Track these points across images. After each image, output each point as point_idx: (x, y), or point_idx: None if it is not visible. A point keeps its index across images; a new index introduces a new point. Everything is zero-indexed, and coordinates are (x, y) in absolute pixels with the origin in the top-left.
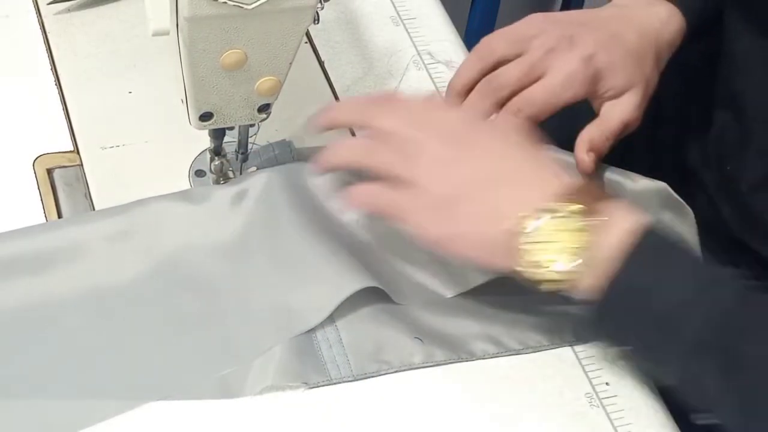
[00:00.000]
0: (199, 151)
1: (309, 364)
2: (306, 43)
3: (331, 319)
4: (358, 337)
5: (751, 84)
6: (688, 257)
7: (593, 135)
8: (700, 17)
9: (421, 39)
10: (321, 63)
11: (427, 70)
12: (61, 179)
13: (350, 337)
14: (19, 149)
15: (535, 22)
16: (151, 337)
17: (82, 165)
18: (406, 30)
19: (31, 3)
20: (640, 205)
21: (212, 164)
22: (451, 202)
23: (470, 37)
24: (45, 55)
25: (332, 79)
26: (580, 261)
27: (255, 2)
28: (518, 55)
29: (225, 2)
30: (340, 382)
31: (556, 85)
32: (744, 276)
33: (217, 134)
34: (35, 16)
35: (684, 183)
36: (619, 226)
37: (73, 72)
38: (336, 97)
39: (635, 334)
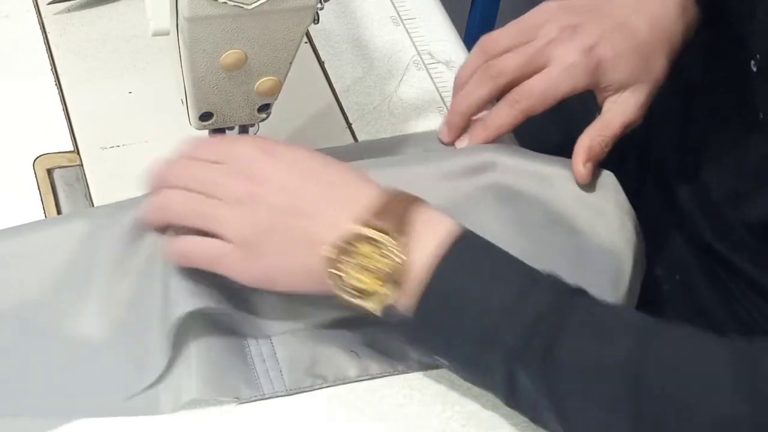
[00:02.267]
0: None
1: (241, 378)
2: (306, 43)
3: (267, 333)
4: (292, 352)
5: (725, 103)
6: (502, 262)
7: (592, 143)
8: (713, 8)
9: (421, 39)
10: (321, 63)
11: (427, 70)
12: (61, 179)
13: (285, 351)
14: (19, 149)
15: (544, 10)
16: (63, 353)
17: (82, 165)
18: (406, 30)
19: (31, 3)
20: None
21: None
22: (258, 240)
23: (470, 37)
24: (45, 55)
25: (332, 79)
26: (391, 283)
27: (255, 2)
28: (523, 45)
29: (225, 2)
30: (273, 397)
31: (555, 76)
32: (558, 279)
33: (217, 134)
34: (35, 16)
35: (661, 193)
36: (429, 239)
37: (73, 72)
38: (336, 97)
39: (454, 345)
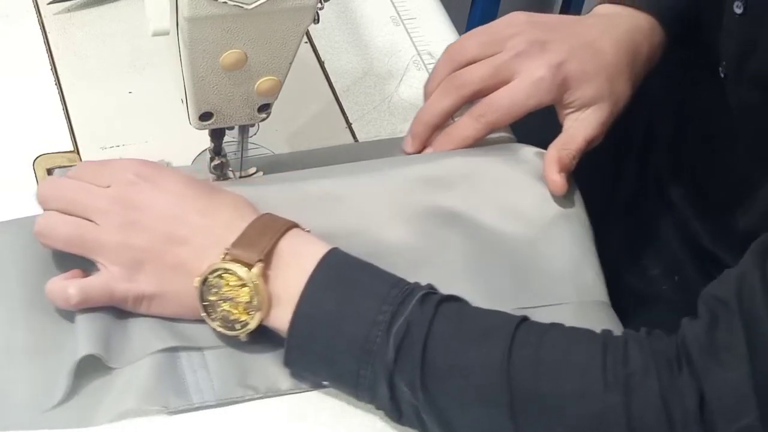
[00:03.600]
0: (199, 151)
1: (171, 389)
2: (306, 43)
3: (199, 345)
4: (224, 362)
5: (712, 106)
6: (369, 277)
7: (561, 155)
8: (680, 32)
9: (421, 39)
10: (321, 63)
11: (427, 70)
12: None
13: (216, 362)
14: (19, 149)
15: (514, 22)
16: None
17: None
18: (406, 30)
19: (31, 3)
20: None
21: (212, 164)
22: (136, 268)
23: None
24: (45, 55)
25: (332, 79)
26: (255, 312)
27: (255, 2)
28: (491, 56)
29: (225, 2)
30: (202, 408)
31: (521, 90)
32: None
33: (217, 134)
34: (35, 16)
35: (659, 196)
36: (295, 265)
37: (73, 72)
38: (336, 97)
39: (332, 364)
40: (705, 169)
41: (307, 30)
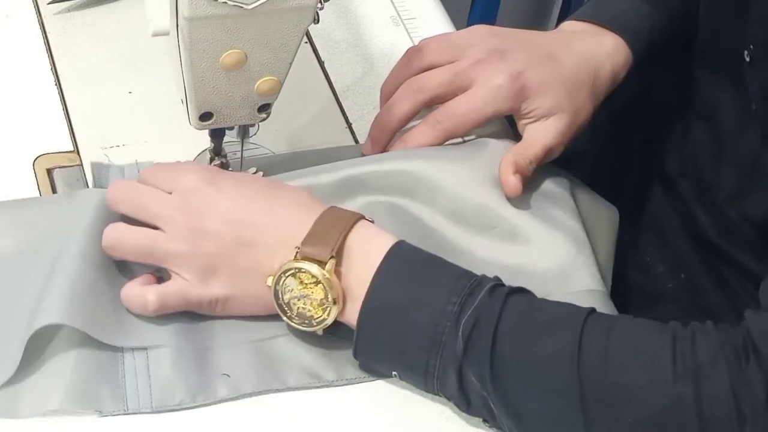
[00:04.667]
0: (199, 151)
1: (107, 392)
2: (306, 43)
3: (144, 347)
4: (165, 369)
5: (721, 98)
6: (436, 268)
7: (517, 158)
8: (647, 52)
9: (420, 39)
10: (321, 63)
11: None
12: (61, 179)
13: (157, 367)
14: (19, 149)
15: (476, 32)
16: None
17: (82, 165)
18: (406, 30)
19: (31, 3)
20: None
21: (212, 164)
22: (208, 274)
23: None
24: (45, 55)
25: (332, 79)
26: (331, 307)
27: (255, 2)
28: (450, 63)
29: (225, 2)
30: (137, 413)
31: (479, 98)
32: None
33: (217, 134)
34: (35, 16)
35: (665, 191)
36: (364, 259)
37: (73, 72)
38: (336, 97)
39: (401, 355)
40: (712, 163)
41: (307, 30)
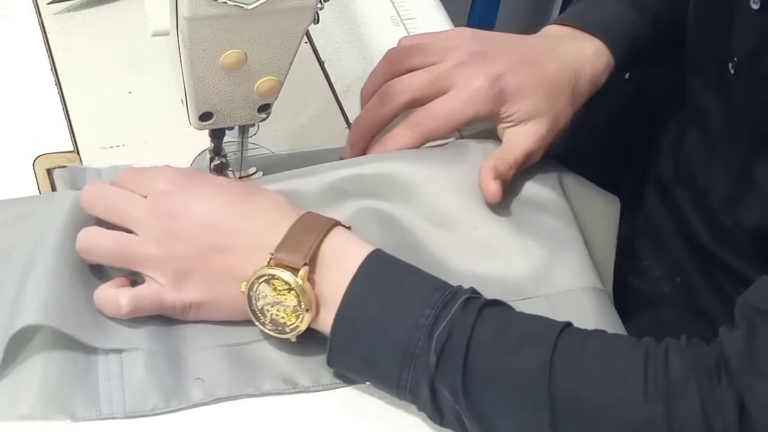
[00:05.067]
0: (199, 151)
1: (80, 397)
2: (306, 43)
3: (118, 351)
4: (139, 373)
5: (711, 105)
6: (411, 279)
7: (497, 164)
8: (630, 57)
9: None
10: (321, 63)
11: None
12: (61, 179)
13: (132, 372)
14: (19, 149)
15: (457, 35)
16: None
17: (81, 165)
18: (406, 30)
19: (31, 3)
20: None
21: (212, 164)
22: (181, 278)
23: None
24: (45, 55)
25: (332, 79)
26: (304, 314)
27: (255, 2)
28: (430, 65)
29: (225, 2)
30: (110, 418)
31: (458, 100)
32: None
33: (217, 134)
34: (35, 16)
35: (660, 197)
36: (339, 267)
37: (73, 72)
38: (336, 97)
39: (374, 366)
40: (705, 170)
41: (307, 30)
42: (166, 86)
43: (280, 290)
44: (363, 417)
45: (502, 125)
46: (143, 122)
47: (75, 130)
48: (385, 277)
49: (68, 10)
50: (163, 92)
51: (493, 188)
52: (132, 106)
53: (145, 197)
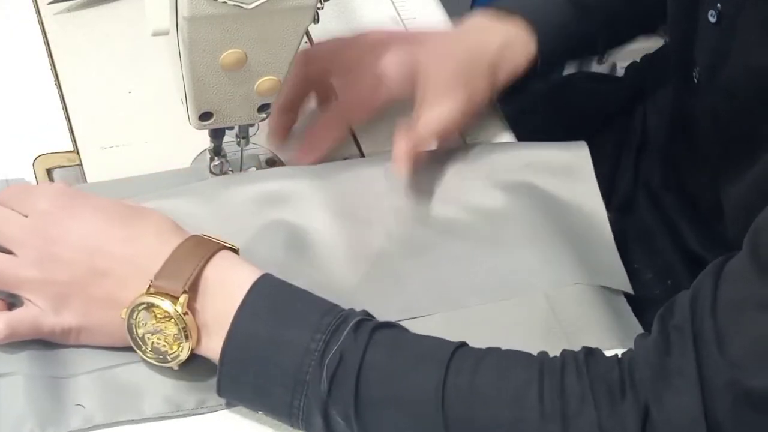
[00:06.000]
0: (199, 151)
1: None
2: (306, 43)
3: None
4: (18, 398)
5: (699, 109)
6: (300, 304)
7: (410, 136)
8: (558, 43)
9: None
10: None
11: None
12: (61, 179)
13: (11, 396)
14: (19, 149)
15: (375, 30)
16: None
17: (81, 165)
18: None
19: (31, 3)
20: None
21: (212, 164)
22: (62, 303)
23: None
24: (45, 55)
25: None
26: (188, 342)
27: (255, 2)
28: (345, 56)
29: (225, 2)
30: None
31: (372, 85)
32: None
33: (217, 134)
34: (35, 16)
35: (651, 202)
36: (223, 294)
37: (73, 72)
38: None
39: (266, 395)
40: (692, 176)
41: (307, 30)
42: (166, 86)
43: (159, 318)
44: None
45: (417, 104)
46: (143, 122)
47: (75, 130)
48: (274, 302)
49: (68, 10)
50: (163, 92)
51: (402, 158)
52: (132, 106)
53: (27, 216)
